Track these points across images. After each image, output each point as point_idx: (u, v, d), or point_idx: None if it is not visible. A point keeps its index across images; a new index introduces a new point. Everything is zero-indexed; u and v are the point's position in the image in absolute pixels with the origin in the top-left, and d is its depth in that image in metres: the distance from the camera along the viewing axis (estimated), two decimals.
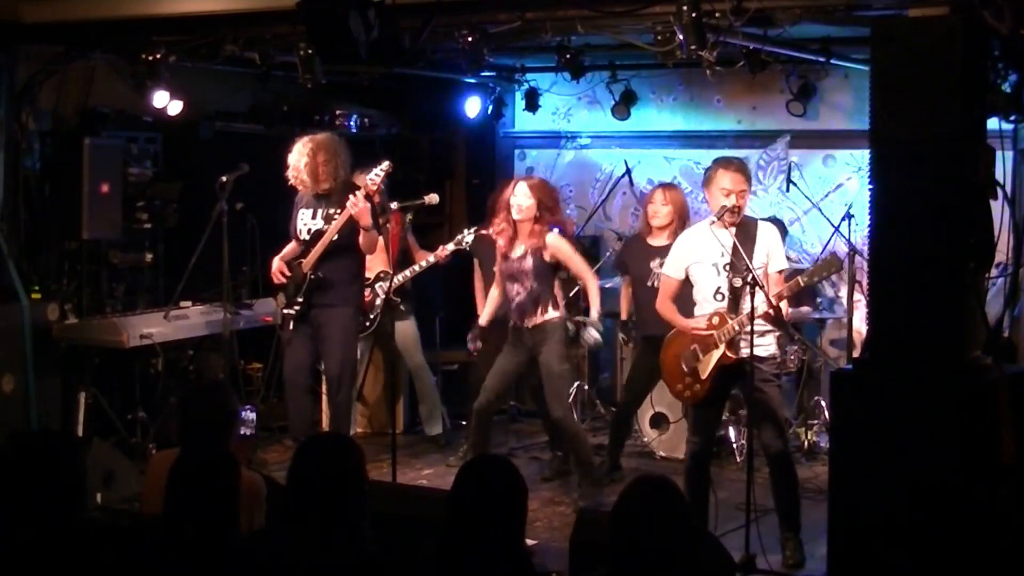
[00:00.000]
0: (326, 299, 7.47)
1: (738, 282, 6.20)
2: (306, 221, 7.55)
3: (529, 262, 7.20)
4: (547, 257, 7.22)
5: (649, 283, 7.77)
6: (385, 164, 7.52)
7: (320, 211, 7.51)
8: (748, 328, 6.05)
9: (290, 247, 7.66)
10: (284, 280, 7.56)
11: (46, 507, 3.85)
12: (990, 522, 5.15)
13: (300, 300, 7.47)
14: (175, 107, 8.18)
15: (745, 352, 6.17)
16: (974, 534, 5.12)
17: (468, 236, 8.11)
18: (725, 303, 6.30)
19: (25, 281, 7.69)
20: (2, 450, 4.07)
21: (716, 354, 6.30)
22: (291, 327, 7.52)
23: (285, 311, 7.58)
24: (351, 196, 7.29)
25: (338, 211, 7.40)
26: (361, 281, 7.81)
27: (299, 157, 7.48)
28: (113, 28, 7.51)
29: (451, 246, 8.23)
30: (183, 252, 7.96)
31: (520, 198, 7.21)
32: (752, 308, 6.03)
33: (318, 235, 7.44)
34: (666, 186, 8.14)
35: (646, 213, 7.99)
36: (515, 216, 7.21)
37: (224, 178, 7.57)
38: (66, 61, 7.89)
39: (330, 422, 7.81)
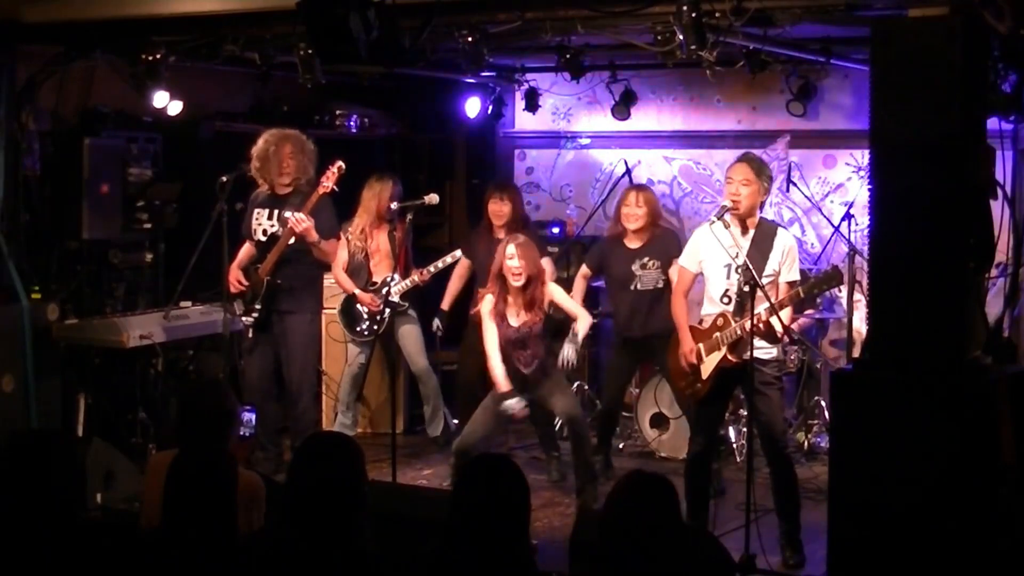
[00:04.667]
0: (285, 305, 7.46)
1: (748, 287, 6.19)
2: (261, 222, 7.57)
3: (539, 326, 7.09)
4: (549, 309, 7.11)
5: (632, 287, 7.70)
6: (336, 166, 7.53)
7: (276, 212, 7.51)
8: (750, 332, 6.06)
9: (244, 249, 7.67)
10: (242, 289, 7.54)
11: (46, 507, 3.85)
12: (990, 522, 5.15)
13: (259, 307, 7.46)
14: (175, 107, 8.17)
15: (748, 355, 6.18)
16: (974, 534, 5.12)
17: (449, 259, 8.20)
18: (732, 306, 6.30)
19: (25, 281, 7.67)
20: (2, 450, 4.06)
21: (717, 356, 6.31)
22: (250, 334, 7.52)
23: (244, 318, 7.57)
24: (291, 215, 7.28)
25: (293, 212, 7.41)
26: (320, 285, 7.78)
27: (264, 146, 7.48)
28: (113, 28, 7.50)
29: (440, 264, 8.23)
30: (183, 252, 7.95)
31: (514, 261, 6.98)
32: (751, 313, 6.04)
33: (274, 239, 7.44)
34: (639, 187, 8.07)
35: (619, 214, 7.81)
36: (514, 283, 7.01)
37: (224, 178, 7.56)
38: (66, 61, 7.87)
39: (292, 439, 7.73)
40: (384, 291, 8.15)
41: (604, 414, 8.15)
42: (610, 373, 8.22)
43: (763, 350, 6.25)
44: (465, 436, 7.27)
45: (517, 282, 7.00)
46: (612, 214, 8.34)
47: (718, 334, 6.29)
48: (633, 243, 7.74)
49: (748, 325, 6.07)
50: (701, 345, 6.38)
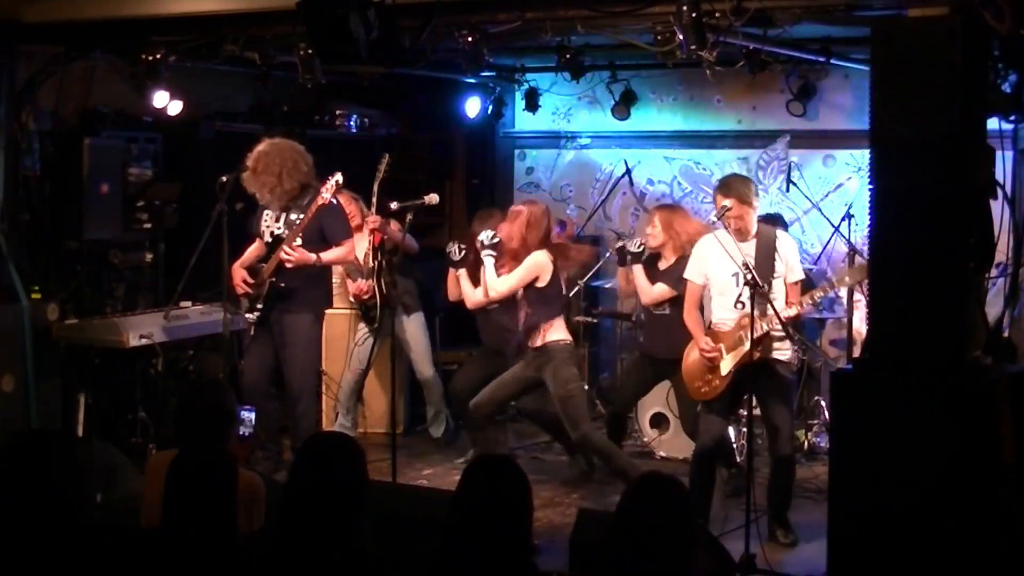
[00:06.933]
0: (287, 304, 7.44)
1: (755, 293, 6.28)
2: (269, 223, 7.55)
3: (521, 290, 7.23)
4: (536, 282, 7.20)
5: (656, 311, 7.60)
6: (334, 179, 7.41)
7: (283, 215, 7.49)
8: (775, 328, 6.35)
9: (252, 248, 7.65)
10: (247, 290, 7.53)
11: (46, 507, 3.85)
12: (990, 522, 5.15)
13: (260, 307, 7.45)
14: (175, 107, 8.18)
15: (769, 353, 6.41)
16: (974, 534, 5.12)
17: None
18: (747, 309, 6.39)
19: (25, 281, 7.68)
20: (2, 450, 4.06)
21: (741, 351, 6.43)
22: (251, 332, 7.51)
23: (248, 315, 7.56)
24: (283, 251, 7.29)
25: (300, 216, 7.40)
26: (325, 286, 7.76)
27: (255, 164, 7.39)
28: (113, 28, 7.50)
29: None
30: (183, 252, 7.95)
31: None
32: (751, 319, 6.18)
33: (279, 240, 7.43)
34: (659, 208, 7.95)
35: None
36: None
37: (224, 178, 7.54)
38: (66, 61, 7.88)
39: (292, 440, 7.69)
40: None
41: (614, 417, 7.97)
42: (628, 376, 8.06)
43: (780, 351, 6.48)
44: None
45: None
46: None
47: (742, 332, 6.42)
48: (663, 264, 7.60)
49: (764, 326, 6.30)
50: (723, 344, 6.52)
